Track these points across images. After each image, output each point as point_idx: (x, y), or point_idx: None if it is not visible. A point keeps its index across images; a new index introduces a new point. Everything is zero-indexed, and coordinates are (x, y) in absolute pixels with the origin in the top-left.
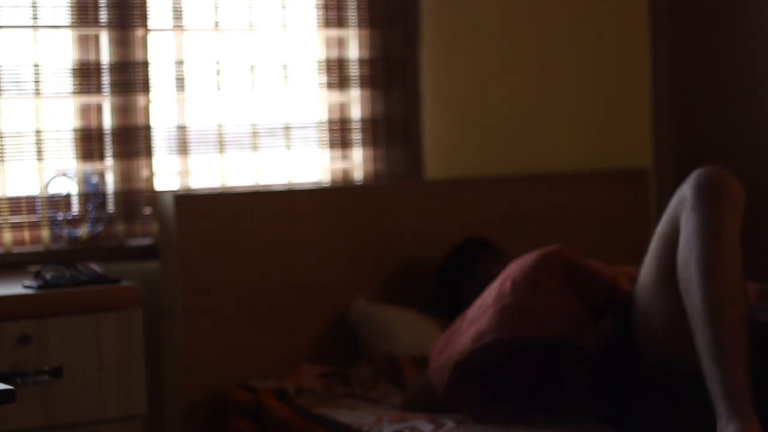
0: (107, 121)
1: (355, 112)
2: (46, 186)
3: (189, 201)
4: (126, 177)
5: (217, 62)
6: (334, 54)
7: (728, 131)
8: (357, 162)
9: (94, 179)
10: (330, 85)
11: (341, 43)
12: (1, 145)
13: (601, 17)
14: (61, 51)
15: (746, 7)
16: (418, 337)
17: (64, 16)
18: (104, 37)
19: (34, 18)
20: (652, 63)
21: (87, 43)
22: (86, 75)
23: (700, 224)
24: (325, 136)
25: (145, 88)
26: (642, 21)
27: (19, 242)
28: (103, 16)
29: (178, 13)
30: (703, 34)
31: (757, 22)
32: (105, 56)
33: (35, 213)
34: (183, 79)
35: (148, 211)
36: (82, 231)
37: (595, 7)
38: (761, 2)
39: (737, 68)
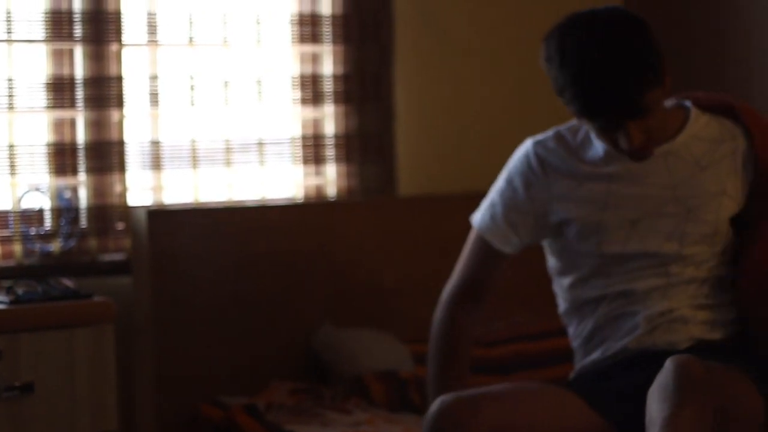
0: (80, 136)
1: (329, 128)
2: (19, 200)
3: (161, 217)
4: (99, 192)
5: (191, 77)
6: (308, 69)
7: None
8: (331, 178)
9: (67, 194)
10: (304, 101)
11: (315, 58)
12: None
13: None
14: (34, 65)
15: (725, 29)
16: (380, 353)
17: (38, 30)
18: (78, 52)
19: (8, 32)
20: None
21: (61, 57)
22: (60, 89)
23: None
24: (299, 151)
25: (119, 103)
26: None
27: None
28: (78, 30)
29: (152, 28)
30: (683, 61)
31: (741, 33)
32: (79, 71)
33: (8, 228)
34: (157, 94)
35: (120, 226)
36: (55, 246)
37: None
38: (741, 24)
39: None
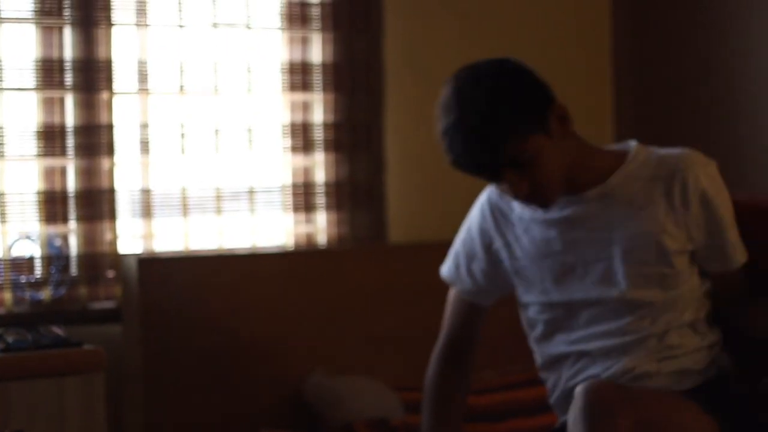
0: (71, 184)
1: (320, 176)
2: (9, 248)
3: (152, 265)
4: (89, 240)
5: (182, 125)
6: (299, 118)
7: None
8: (321, 226)
9: (58, 242)
10: (294, 149)
11: (306, 106)
12: None
13: (564, 77)
14: (25, 113)
15: (710, 34)
16: (371, 401)
17: (29, 78)
18: (69, 100)
19: None
20: (616, 120)
21: (52, 105)
22: (50, 137)
23: None
24: (289, 199)
25: (110, 151)
26: (604, 78)
27: None
28: (68, 79)
29: (143, 77)
30: (665, 70)
31: (720, 36)
32: (69, 119)
33: None
34: (147, 142)
35: (111, 274)
36: (45, 294)
37: (558, 67)
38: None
39: (699, 87)
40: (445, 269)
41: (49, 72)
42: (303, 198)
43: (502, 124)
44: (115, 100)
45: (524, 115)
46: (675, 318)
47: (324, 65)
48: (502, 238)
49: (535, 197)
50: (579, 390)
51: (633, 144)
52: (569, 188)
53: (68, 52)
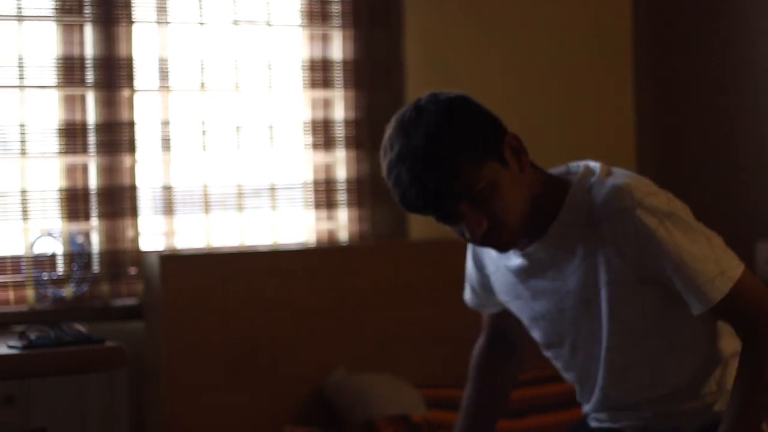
0: (93, 181)
1: (341, 173)
2: (32, 246)
3: (174, 261)
4: (111, 237)
5: (203, 123)
6: (320, 115)
7: (710, 165)
8: (342, 222)
9: (80, 239)
10: (315, 146)
11: (327, 104)
12: None
13: (584, 75)
14: (47, 111)
15: (729, 52)
16: (392, 397)
17: (51, 76)
18: (90, 98)
19: (21, 78)
20: (636, 108)
21: (73, 103)
22: (72, 135)
23: None
24: (311, 196)
25: (131, 149)
26: (625, 72)
27: (4, 302)
28: (90, 76)
29: (164, 74)
30: (686, 83)
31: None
32: (91, 116)
33: (20, 273)
34: (169, 139)
35: (133, 271)
36: (67, 291)
37: (577, 65)
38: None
39: (719, 108)
40: (467, 297)
41: (71, 70)
42: (324, 195)
43: (452, 148)
44: (137, 98)
45: (475, 139)
46: (642, 357)
47: (344, 62)
48: (487, 271)
49: (494, 237)
50: None
51: (579, 171)
52: (526, 228)
53: (89, 50)
